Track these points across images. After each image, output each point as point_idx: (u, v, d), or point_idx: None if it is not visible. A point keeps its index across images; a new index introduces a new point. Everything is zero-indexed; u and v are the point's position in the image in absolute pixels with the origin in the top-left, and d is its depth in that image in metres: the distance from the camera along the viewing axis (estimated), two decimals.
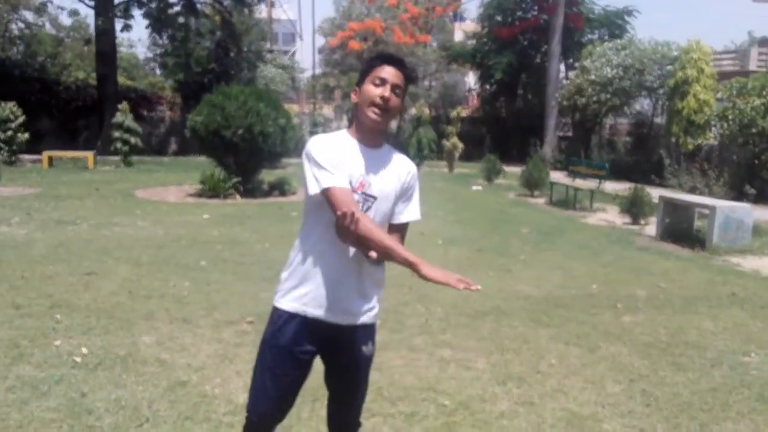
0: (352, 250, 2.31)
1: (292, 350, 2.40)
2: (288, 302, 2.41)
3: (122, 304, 5.50)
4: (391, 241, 2.24)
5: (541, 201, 14.52)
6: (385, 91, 2.29)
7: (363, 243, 2.21)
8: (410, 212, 2.47)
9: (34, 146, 18.41)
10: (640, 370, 4.57)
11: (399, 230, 2.45)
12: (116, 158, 18.67)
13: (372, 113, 2.30)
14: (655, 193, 11.94)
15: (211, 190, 12.42)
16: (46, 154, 17.70)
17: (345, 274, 2.36)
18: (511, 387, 4.17)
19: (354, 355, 2.46)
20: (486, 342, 5.00)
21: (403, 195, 2.44)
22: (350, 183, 2.29)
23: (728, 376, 4.52)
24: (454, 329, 5.25)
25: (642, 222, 11.52)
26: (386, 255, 2.24)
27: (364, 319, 2.44)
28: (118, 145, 18.27)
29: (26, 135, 17.58)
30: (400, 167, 2.44)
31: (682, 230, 10.01)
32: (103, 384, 3.93)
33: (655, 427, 3.70)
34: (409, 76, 2.38)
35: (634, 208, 11.60)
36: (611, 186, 14.98)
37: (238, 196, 12.50)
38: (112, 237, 8.39)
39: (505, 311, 5.80)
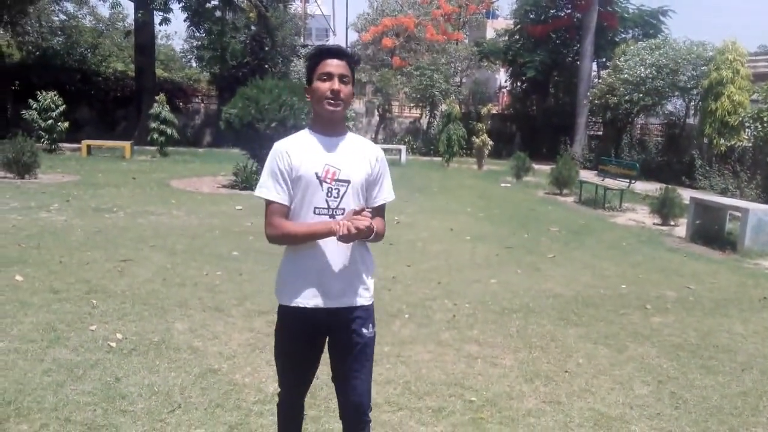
0: (333, 239, 2.42)
1: (299, 339, 2.55)
2: (287, 298, 2.52)
3: (157, 292, 5.62)
4: (313, 227, 2.40)
5: (570, 200, 14.42)
6: (333, 84, 2.41)
7: (288, 242, 2.47)
8: (384, 194, 2.59)
9: (73, 135, 18.80)
10: (669, 372, 4.55)
11: (378, 212, 2.57)
12: (152, 148, 18.98)
13: (328, 106, 2.43)
14: (685, 194, 11.80)
15: (244, 182, 12.57)
16: (84, 143, 18.06)
17: (335, 259, 2.46)
18: (539, 385, 4.18)
19: (355, 336, 2.54)
20: (514, 339, 5.01)
21: (374, 178, 2.54)
22: (317, 175, 2.42)
23: (759, 380, 4.47)
24: (482, 325, 5.27)
25: (672, 223, 11.39)
26: (310, 239, 2.42)
27: (361, 300, 2.54)
28: (155, 135, 18.58)
29: (66, 124, 17.93)
30: (368, 152, 2.55)
31: (713, 232, 9.88)
32: (137, 369, 4.04)
33: (684, 430, 3.68)
34: (353, 61, 2.50)
35: (665, 209, 11.47)
36: (641, 186, 14.82)
37: None
38: (147, 225, 8.55)
39: (534, 309, 5.80)
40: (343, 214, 2.44)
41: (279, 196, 2.45)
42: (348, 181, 2.45)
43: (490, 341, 4.92)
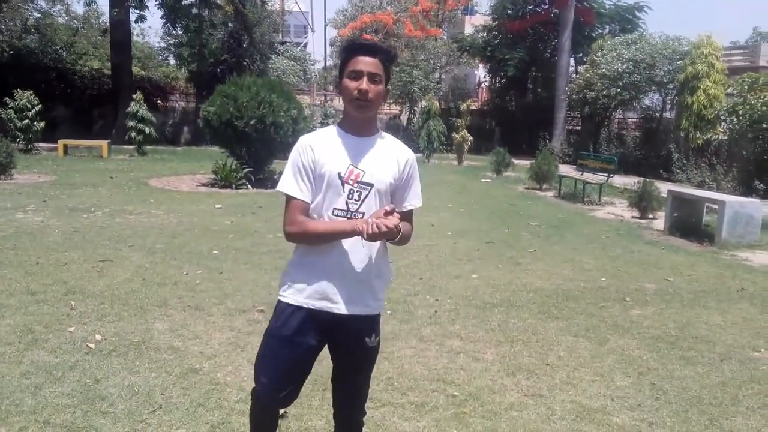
0: (353, 241, 2.34)
1: (295, 340, 2.41)
2: (293, 295, 2.42)
3: (136, 292, 5.57)
4: (334, 226, 2.31)
5: (550, 194, 14.51)
6: (362, 84, 2.29)
7: (309, 241, 2.37)
8: (413, 198, 2.49)
9: (49, 134, 18.53)
10: (649, 363, 4.59)
11: (406, 217, 2.45)
12: (130, 147, 18.80)
13: (354, 107, 2.32)
14: (663, 187, 11.92)
15: (223, 180, 12.50)
16: (61, 142, 17.83)
17: (351, 264, 2.37)
18: (521, 379, 4.20)
19: (358, 346, 2.47)
20: (495, 333, 5.03)
21: (404, 182, 2.45)
22: (339, 176, 2.32)
23: (737, 371, 4.53)
24: (464, 320, 5.29)
25: (650, 216, 11.51)
26: (331, 238, 2.33)
27: (369, 310, 2.45)
28: (133, 134, 18.40)
29: (42, 123, 17.69)
30: (398, 154, 2.44)
31: (690, 225, 10.00)
32: (117, 370, 3.99)
33: (665, 421, 3.72)
34: (387, 59, 2.36)
35: (643, 202, 11.59)
36: (620, 180, 14.96)
37: (249, 186, 12.57)
38: (126, 225, 8.47)
39: (515, 303, 5.83)
40: (362, 217, 2.32)
41: (301, 192, 2.34)
42: (371, 185, 2.34)
43: (472, 336, 4.94)
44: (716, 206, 9.65)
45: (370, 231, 2.17)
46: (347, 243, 2.34)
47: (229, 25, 25.48)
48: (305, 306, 2.39)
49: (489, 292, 6.16)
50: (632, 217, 11.54)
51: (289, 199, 2.36)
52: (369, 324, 2.48)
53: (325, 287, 2.37)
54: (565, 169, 16.65)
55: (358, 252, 2.36)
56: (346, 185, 2.32)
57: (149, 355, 4.25)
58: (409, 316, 5.32)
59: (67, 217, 8.84)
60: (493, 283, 6.50)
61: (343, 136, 2.38)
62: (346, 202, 2.33)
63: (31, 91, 17.75)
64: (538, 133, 23.59)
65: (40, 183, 12.11)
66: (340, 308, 2.38)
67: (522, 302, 5.88)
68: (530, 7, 27.13)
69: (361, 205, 2.34)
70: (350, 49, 2.35)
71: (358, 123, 2.37)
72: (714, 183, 14.96)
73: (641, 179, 12.35)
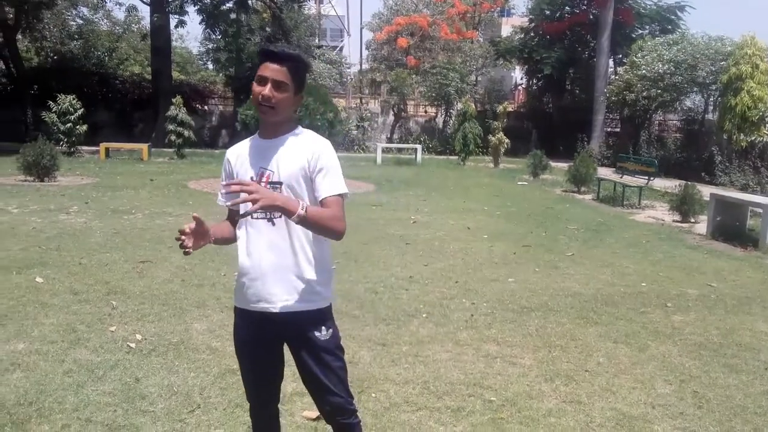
0: (263, 236, 2.38)
1: (244, 345, 2.53)
2: (236, 298, 2.51)
3: (175, 292, 5.65)
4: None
5: (588, 197, 14.32)
6: (265, 89, 2.31)
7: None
8: (328, 187, 2.35)
9: (91, 138, 18.98)
10: (692, 371, 4.49)
11: (327, 206, 2.34)
12: (170, 150, 19.11)
13: (259, 111, 2.37)
14: (705, 190, 11.67)
15: None
16: (103, 145, 18.23)
17: (269, 259, 2.37)
18: (559, 384, 4.14)
19: (309, 341, 2.42)
20: (533, 338, 4.97)
21: (315, 172, 2.36)
22: (252, 180, 2.36)
23: None
24: (500, 324, 5.24)
25: (692, 220, 11.27)
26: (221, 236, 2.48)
27: (307, 305, 2.40)
28: (172, 137, 18.70)
29: (84, 127, 18.09)
30: (307, 147, 2.39)
31: (734, 229, 9.76)
32: (157, 370, 4.05)
33: (708, 430, 3.62)
34: (296, 67, 2.35)
35: (684, 206, 11.35)
36: (660, 183, 14.69)
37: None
38: (165, 226, 8.60)
39: (553, 308, 5.75)
40: (281, 216, 2.32)
41: (224, 200, 2.52)
42: (281, 183, 2.35)
43: (509, 340, 4.89)
44: (761, 210, 9.40)
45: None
46: (257, 238, 2.39)
47: (267, 29, 25.77)
48: (242, 308, 2.48)
49: (526, 296, 6.09)
50: (673, 221, 11.31)
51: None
52: (313, 319, 2.43)
53: (253, 287, 2.41)
54: (604, 172, 16.40)
55: (267, 248, 2.37)
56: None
57: (188, 355, 4.30)
58: (444, 320, 5.29)
59: (108, 218, 9.02)
60: (530, 287, 6.43)
61: (256, 141, 2.46)
62: None
63: (74, 95, 18.16)
64: (576, 136, 23.30)
65: (83, 185, 12.39)
66: (275, 306, 2.39)
67: (560, 307, 5.80)
68: (568, 8, 26.86)
69: None
70: (261, 54, 2.39)
71: (267, 126, 2.42)
72: (758, 186, 14.60)
73: (683, 182, 12.11)
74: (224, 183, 2.44)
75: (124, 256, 6.86)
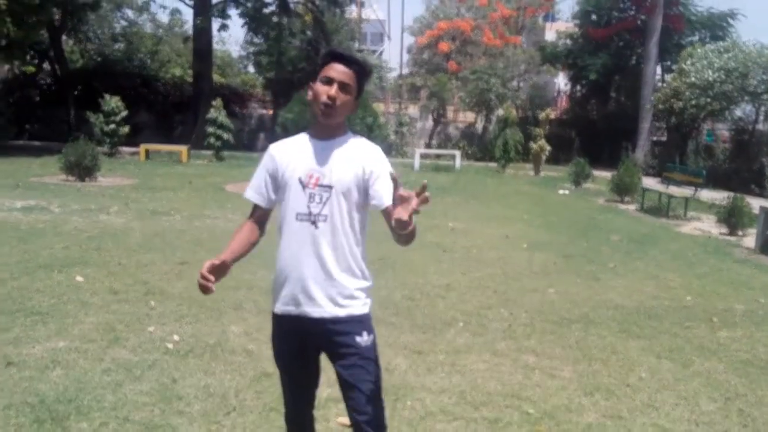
0: (301, 242, 2.35)
1: (283, 353, 2.51)
2: (276, 306, 2.46)
3: (212, 294, 5.63)
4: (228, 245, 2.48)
5: (632, 207, 14.03)
6: (331, 89, 2.31)
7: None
8: (387, 196, 2.28)
9: (132, 139, 19.32)
10: (737, 388, 4.33)
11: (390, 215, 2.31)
12: (209, 152, 19.34)
13: (319, 111, 2.34)
14: (755, 203, 11.33)
15: None
16: (143, 147, 18.55)
17: (306, 265, 2.35)
18: (599, 399, 4.03)
19: (347, 347, 2.37)
20: (573, 350, 4.86)
21: (373, 179, 2.34)
22: (300, 181, 2.36)
23: None
24: (539, 335, 5.13)
25: (740, 233, 10.94)
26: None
27: (346, 311, 2.37)
28: (211, 140, 18.92)
29: (127, 128, 18.43)
30: (360, 153, 2.38)
31: None
32: (193, 371, 4.06)
33: None
34: (362, 72, 2.38)
35: (732, 219, 11.03)
36: (707, 194, 14.32)
37: None
38: (204, 228, 8.69)
39: (594, 320, 5.62)
40: (326, 220, 2.33)
41: (257, 197, 2.49)
42: (331, 187, 2.34)
43: (548, 352, 4.78)
44: None
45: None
46: (300, 241, 2.35)
47: (308, 33, 25.96)
48: (285, 314, 2.43)
49: (566, 307, 5.96)
50: (720, 234, 11.00)
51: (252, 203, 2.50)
52: (353, 324, 2.39)
53: (298, 291, 2.37)
54: (649, 182, 16.05)
55: (309, 252, 2.35)
56: (306, 189, 2.35)
57: (224, 357, 4.31)
58: (482, 330, 5.20)
59: (148, 219, 9.15)
60: (570, 298, 6.30)
61: (309, 141, 2.41)
62: (308, 206, 2.35)
63: (119, 97, 18.51)
64: (621, 144, 22.87)
65: (123, 186, 12.61)
66: (315, 310, 2.37)
67: (601, 319, 5.66)
68: (616, 14, 26.45)
69: (323, 207, 2.34)
70: (328, 55, 2.38)
71: (323, 127, 2.39)
72: None
73: (731, 194, 11.77)
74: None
75: (162, 257, 6.93)
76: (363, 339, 2.40)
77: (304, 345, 2.45)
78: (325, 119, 2.35)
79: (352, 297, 2.40)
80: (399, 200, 2.07)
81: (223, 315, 5.15)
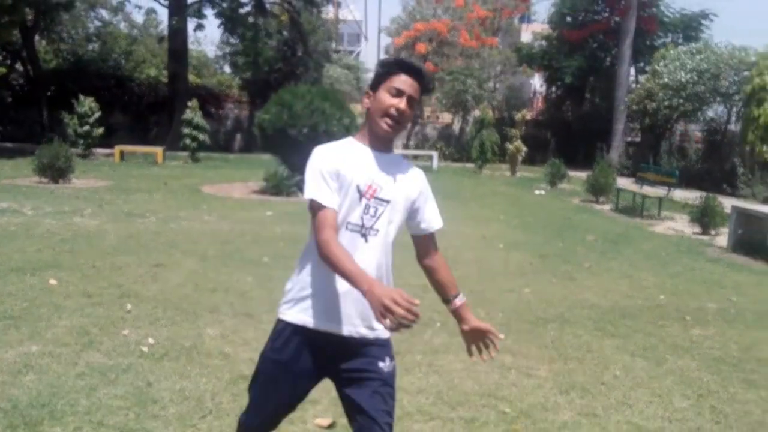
0: (362, 257, 2.19)
1: (292, 368, 2.28)
2: (295, 314, 2.27)
3: (188, 297, 5.64)
4: (354, 270, 2.03)
5: (607, 207, 14.18)
6: (401, 103, 2.20)
7: (332, 267, 2.10)
8: (435, 220, 2.41)
9: (106, 140, 19.06)
10: (710, 385, 4.40)
11: (431, 240, 2.44)
12: (184, 154, 19.17)
13: (385, 124, 2.21)
14: (727, 202, 11.51)
15: (275, 188, 12.62)
16: (118, 148, 18.33)
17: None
18: (574, 397, 4.07)
19: (367, 372, 2.26)
20: (548, 350, 4.90)
21: (419, 202, 2.36)
22: (358, 189, 2.21)
23: None
24: (516, 335, 5.17)
25: (713, 232, 11.12)
26: (347, 281, 2.07)
27: (378, 333, 2.27)
28: (187, 141, 18.74)
29: (101, 130, 18.20)
30: (412, 173, 2.35)
31: (755, 242, 9.60)
32: (169, 374, 4.03)
33: None
34: (426, 88, 2.29)
35: (705, 218, 11.20)
36: (681, 194, 14.52)
37: (300, 195, 12.64)
38: (179, 230, 8.61)
39: (569, 319, 5.68)
40: (376, 235, 2.23)
41: (331, 199, 2.18)
42: (387, 202, 2.24)
43: (524, 351, 4.82)
44: None
45: (390, 322, 1.86)
46: (357, 258, 2.14)
47: (284, 33, 25.86)
48: (308, 326, 2.24)
49: (542, 307, 6.01)
50: (693, 234, 11.16)
51: (319, 208, 2.18)
52: (383, 348, 2.30)
53: (332, 307, 2.23)
54: (623, 182, 16.23)
55: (369, 269, 2.17)
56: (363, 199, 2.22)
57: (200, 360, 4.28)
58: (459, 330, 5.21)
59: (122, 221, 9.05)
60: (546, 297, 6.35)
61: (363, 150, 2.27)
62: (362, 217, 2.22)
63: (92, 98, 18.28)
64: (595, 145, 23.07)
65: (97, 188, 12.45)
66: (350, 330, 2.24)
67: (577, 318, 5.72)
68: (590, 16, 26.70)
69: (376, 221, 2.24)
70: (399, 65, 2.26)
71: (381, 139, 2.27)
72: None
73: (704, 194, 11.95)
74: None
75: (137, 259, 6.86)
76: (386, 365, 2.29)
77: (316, 362, 2.28)
78: (389, 131, 2.23)
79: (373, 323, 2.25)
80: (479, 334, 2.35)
81: (198, 318, 5.11)
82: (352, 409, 2.27)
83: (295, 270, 2.36)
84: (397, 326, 1.85)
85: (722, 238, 10.44)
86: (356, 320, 2.25)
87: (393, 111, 2.20)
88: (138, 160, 18.51)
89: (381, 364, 2.27)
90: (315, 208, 2.18)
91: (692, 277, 7.75)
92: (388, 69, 2.26)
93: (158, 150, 18.51)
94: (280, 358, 2.29)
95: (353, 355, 2.27)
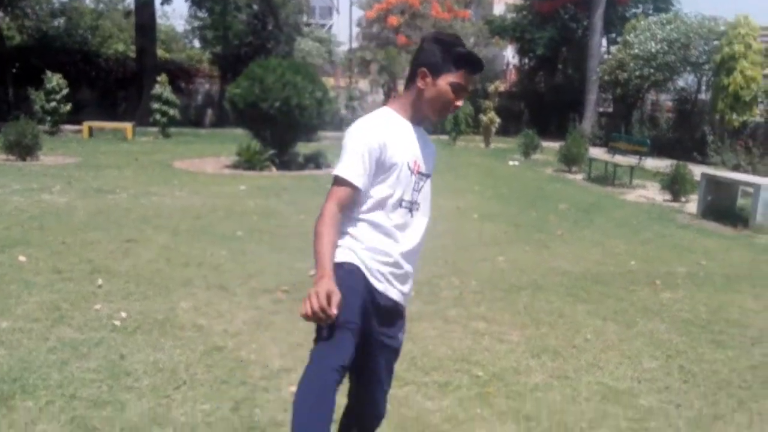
0: (413, 235, 2.31)
1: (358, 305, 2.15)
2: (362, 261, 2.23)
3: (161, 271, 5.59)
4: (324, 254, 2.05)
5: (580, 177, 14.30)
6: (460, 99, 2.26)
7: (315, 238, 2.11)
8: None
9: (74, 117, 18.67)
10: (679, 346, 4.49)
11: None
12: (154, 129, 18.88)
13: (438, 115, 2.30)
14: (697, 170, 11.67)
15: (247, 162, 12.50)
16: (86, 124, 17.99)
17: (396, 249, 2.27)
18: (546, 360, 4.13)
19: (390, 341, 2.37)
20: (521, 316, 4.96)
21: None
22: (408, 165, 2.25)
23: None
24: (489, 303, 5.22)
25: (683, 199, 11.28)
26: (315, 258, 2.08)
27: (405, 302, 2.41)
28: (157, 116, 18.47)
29: (69, 106, 17.83)
30: (432, 146, 2.44)
31: (724, 208, 9.77)
32: (142, 347, 4.01)
33: (693, 403, 3.63)
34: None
35: (675, 186, 11.34)
36: (652, 163, 14.67)
37: (273, 169, 12.56)
38: (150, 206, 8.51)
39: (542, 286, 5.74)
40: (418, 209, 2.30)
41: (359, 180, 2.16)
42: (428, 175, 2.34)
43: (498, 318, 4.87)
44: (751, 189, 9.41)
45: (312, 307, 1.91)
46: (399, 225, 2.25)
47: (254, 6, 25.43)
48: (369, 279, 2.22)
49: (515, 275, 6.07)
50: (664, 201, 11.32)
51: (343, 183, 2.16)
52: (403, 321, 2.44)
53: (388, 270, 2.26)
54: (596, 152, 16.35)
55: (416, 242, 2.32)
56: (413, 176, 2.27)
57: (174, 333, 4.26)
58: (433, 298, 5.26)
59: (92, 198, 8.91)
60: (519, 266, 6.41)
61: (405, 125, 2.30)
62: (412, 194, 2.28)
63: (60, 75, 17.88)
64: (568, 115, 23.17)
65: (66, 164, 12.22)
66: (395, 295, 2.32)
67: (549, 285, 5.78)
68: None
69: (419, 195, 2.31)
70: (471, 61, 2.27)
71: (417, 113, 2.31)
72: (749, 166, 14.59)
73: (674, 162, 12.09)
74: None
75: (108, 235, 6.77)
76: (402, 336, 2.44)
77: (367, 312, 2.22)
78: (437, 119, 2.33)
79: (410, 292, 2.42)
80: None
81: (171, 292, 5.07)
82: (362, 375, 2.36)
83: (354, 220, 2.26)
84: (310, 317, 1.93)
85: (692, 204, 10.59)
86: (400, 287, 2.32)
87: (452, 108, 2.27)
88: (107, 136, 18.19)
89: (401, 335, 2.42)
90: (339, 182, 2.18)
91: (663, 243, 7.87)
92: (459, 61, 2.24)
93: (127, 126, 18.20)
94: (356, 288, 2.17)
95: (390, 323, 2.35)
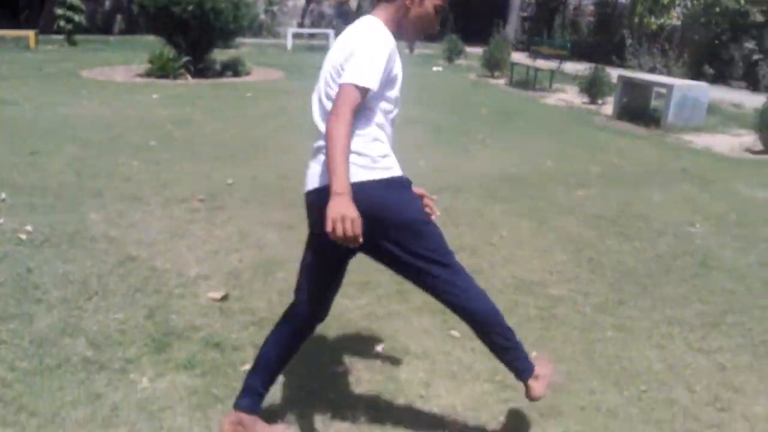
0: (391, 133, 2.37)
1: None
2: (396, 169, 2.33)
3: (69, 184, 5.35)
4: (343, 167, 1.98)
5: (502, 82, 14.35)
6: (437, 24, 2.32)
7: (331, 143, 1.99)
8: None
9: None
10: (588, 240, 4.68)
11: None
12: (59, 37, 17.69)
13: (416, 37, 2.31)
14: (615, 73, 11.88)
15: (161, 70, 11.90)
16: None
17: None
18: (463, 257, 4.19)
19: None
20: (440, 217, 4.94)
21: None
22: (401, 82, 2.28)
23: (673, 245, 4.66)
24: None
25: (600, 102, 11.53)
26: (330, 167, 2.00)
27: None
28: (61, 23, 17.25)
29: None
30: None
31: (638, 109, 10.06)
32: (50, 260, 3.87)
33: (599, 291, 3.82)
34: None
35: (593, 88, 11.56)
36: (572, 67, 14.85)
37: (189, 77, 12.03)
38: (56, 118, 8.04)
39: (461, 188, 5.81)
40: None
41: (377, 86, 2.10)
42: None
43: None
44: (665, 90, 9.68)
45: (346, 233, 1.92)
46: (390, 133, 2.32)
47: None
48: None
49: (435, 177, 6.10)
50: (582, 104, 11.54)
51: (365, 92, 2.06)
52: None
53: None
54: (519, 57, 16.37)
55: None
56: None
57: (84, 245, 4.12)
58: None
59: None
60: (440, 169, 6.45)
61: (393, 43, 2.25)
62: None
63: None
64: (492, 20, 23.03)
65: None
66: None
67: (468, 187, 5.87)
68: None
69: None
70: None
71: (401, 37, 2.30)
72: (665, 68, 14.98)
73: (593, 65, 12.26)
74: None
75: (10, 148, 6.39)
76: None
77: None
78: (412, 42, 2.37)
79: None
80: None
81: (81, 204, 4.87)
82: (342, 274, 2.50)
83: (370, 136, 2.23)
84: (339, 239, 1.93)
85: (609, 107, 10.85)
86: None
87: (433, 28, 2.30)
88: (8, 45, 16.92)
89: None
90: (361, 91, 2.04)
91: (579, 144, 8.06)
92: None
93: (30, 33, 16.96)
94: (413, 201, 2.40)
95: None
